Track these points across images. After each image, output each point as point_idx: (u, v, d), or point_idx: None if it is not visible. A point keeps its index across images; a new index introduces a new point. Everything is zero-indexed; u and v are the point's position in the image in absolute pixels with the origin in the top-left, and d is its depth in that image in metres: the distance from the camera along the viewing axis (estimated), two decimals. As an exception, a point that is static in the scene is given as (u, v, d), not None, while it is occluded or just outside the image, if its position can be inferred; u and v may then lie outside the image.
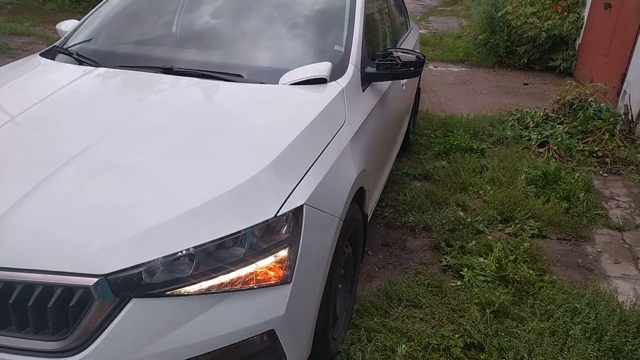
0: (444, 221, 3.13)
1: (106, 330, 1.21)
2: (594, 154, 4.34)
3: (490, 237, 2.98)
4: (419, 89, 4.66)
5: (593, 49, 7.16)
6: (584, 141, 4.51)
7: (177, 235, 1.28)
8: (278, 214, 1.39)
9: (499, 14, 8.53)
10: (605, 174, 4.08)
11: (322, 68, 1.99)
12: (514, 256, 2.73)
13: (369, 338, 2.03)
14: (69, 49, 2.30)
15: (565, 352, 1.89)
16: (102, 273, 1.20)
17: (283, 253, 1.39)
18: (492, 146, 4.55)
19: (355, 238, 2.07)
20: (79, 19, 2.64)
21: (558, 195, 3.51)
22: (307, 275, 1.48)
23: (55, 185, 1.35)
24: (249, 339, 1.36)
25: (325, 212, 1.55)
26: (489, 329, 2.10)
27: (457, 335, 2.10)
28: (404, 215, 3.21)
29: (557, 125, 4.87)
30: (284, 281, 1.39)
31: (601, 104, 5.12)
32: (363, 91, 2.20)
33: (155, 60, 2.16)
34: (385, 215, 3.24)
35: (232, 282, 1.32)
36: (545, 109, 5.36)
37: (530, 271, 2.60)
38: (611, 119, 4.68)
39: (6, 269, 1.20)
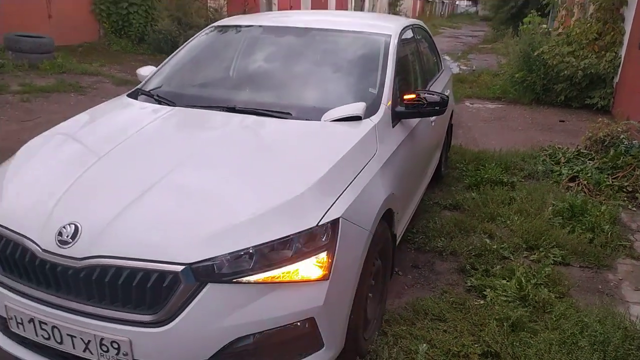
0: (470, 247, 3.37)
1: (188, 307, 1.58)
2: (624, 189, 4.47)
3: (514, 263, 3.19)
4: (451, 125, 4.97)
5: (629, 88, 7.28)
6: (614, 176, 4.66)
7: (241, 238, 1.65)
8: (319, 224, 1.74)
9: (535, 54, 8.76)
10: (634, 209, 4.20)
11: (357, 107, 2.37)
12: (536, 280, 2.93)
13: (395, 342, 2.31)
14: (150, 91, 2.80)
15: (571, 358, 2.11)
16: (188, 262, 1.58)
17: (322, 255, 1.73)
18: (522, 180, 4.75)
19: (385, 254, 2.38)
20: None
21: (583, 227, 3.68)
22: (342, 276, 1.80)
23: (152, 197, 1.76)
24: (293, 323, 1.69)
25: (357, 225, 1.89)
26: (506, 340, 2.33)
27: (476, 345, 2.34)
28: (433, 241, 3.48)
29: (588, 161, 5.02)
30: (322, 278, 1.72)
31: (634, 141, 5.24)
32: (393, 127, 2.55)
33: (220, 101, 2.61)
34: (415, 240, 3.51)
35: (281, 276, 1.67)
36: (577, 145, 5.53)
37: (550, 294, 2.81)
38: (639, 156, 4.81)
39: (119, 258, 1.60)
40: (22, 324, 1.75)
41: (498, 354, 2.26)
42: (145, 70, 3.11)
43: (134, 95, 2.82)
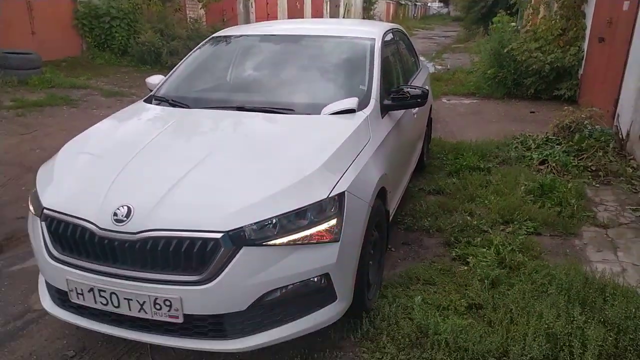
0: (453, 224, 3.78)
1: (227, 267, 1.93)
2: (589, 169, 4.95)
3: (492, 235, 3.59)
4: (430, 119, 5.39)
5: (592, 78, 7.84)
6: (579, 158, 5.14)
7: (266, 209, 2.00)
8: (329, 197, 2.10)
9: (505, 50, 9.29)
10: (598, 185, 4.67)
11: (351, 102, 2.75)
12: (511, 247, 3.34)
13: (394, 300, 2.67)
14: (163, 96, 3.14)
15: (541, 302, 2.52)
16: (225, 230, 1.93)
17: (333, 222, 2.09)
18: (497, 165, 5.20)
19: (381, 227, 2.75)
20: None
21: (552, 202, 4.12)
22: (349, 239, 2.16)
23: (190, 179, 2.11)
24: (312, 278, 2.05)
25: (359, 197, 2.26)
26: (487, 294, 2.72)
27: (462, 300, 2.73)
28: (420, 221, 3.87)
29: (555, 146, 5.50)
30: (334, 240, 2.09)
31: (596, 126, 5.74)
32: (382, 118, 2.94)
33: (229, 102, 2.97)
34: (405, 222, 3.90)
35: (301, 239, 2.02)
36: (546, 132, 6.01)
37: (524, 257, 3.22)
38: (602, 139, 5.31)
39: (169, 230, 1.94)
40: (82, 294, 2.07)
41: (481, 305, 2.65)
42: (155, 79, 3.44)
43: (148, 101, 3.15)
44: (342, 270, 2.15)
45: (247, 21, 20.05)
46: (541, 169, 5.02)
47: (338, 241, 2.10)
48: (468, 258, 3.25)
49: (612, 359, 2.18)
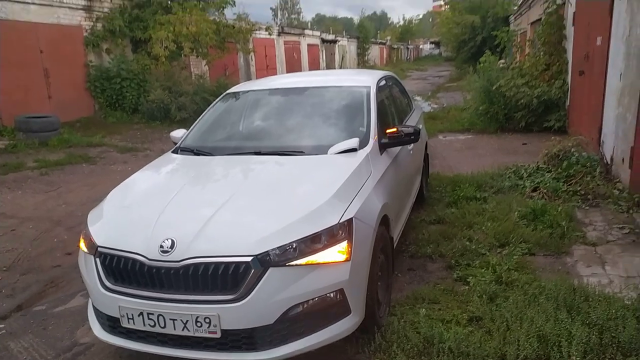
0: (454, 249, 4.10)
1: (257, 286, 2.27)
2: (578, 193, 5.30)
3: (489, 256, 3.91)
4: (427, 155, 5.81)
5: (577, 109, 8.32)
6: (568, 183, 5.51)
7: (286, 235, 2.36)
8: (339, 222, 2.47)
9: (494, 87, 9.85)
10: (587, 207, 5.01)
11: (353, 142, 3.17)
12: (507, 266, 3.66)
13: (402, 317, 2.98)
14: (188, 147, 3.58)
15: (532, 309, 2.82)
16: (254, 254, 2.29)
17: (344, 244, 2.44)
18: (492, 194, 5.55)
19: (386, 251, 3.10)
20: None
21: (544, 225, 4.45)
22: (359, 259, 2.51)
23: (222, 214, 2.49)
24: (329, 293, 2.39)
25: (365, 222, 2.62)
26: (485, 307, 3.02)
27: (464, 314, 3.02)
28: (423, 248, 4.19)
29: (546, 174, 5.88)
30: (346, 260, 2.43)
31: (583, 153, 6.14)
32: (381, 154, 3.34)
33: (247, 148, 3.41)
34: (409, 250, 4.22)
35: (317, 261, 2.38)
36: (537, 161, 6.41)
37: (519, 275, 3.53)
38: (587, 164, 5.70)
39: (206, 257, 2.30)
40: (132, 318, 2.40)
41: (480, 317, 2.95)
42: (178, 133, 3.90)
43: (175, 152, 3.59)
44: (354, 286, 2.48)
45: (248, 74, 21.01)
46: (533, 196, 5.37)
47: (349, 260, 2.45)
48: (468, 278, 3.56)
49: (595, 354, 2.46)
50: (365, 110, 3.56)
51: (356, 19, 74.63)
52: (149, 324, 2.38)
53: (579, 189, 5.36)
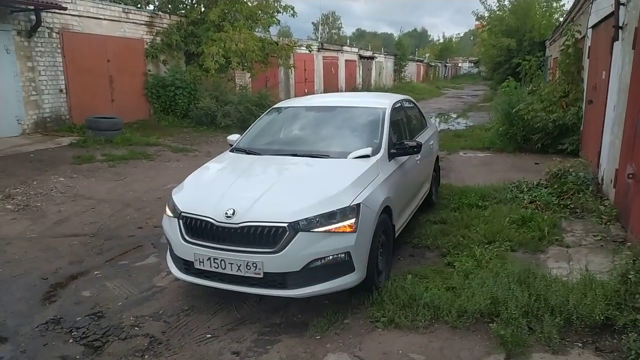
0: (449, 243, 5.01)
1: (289, 244, 3.28)
2: (568, 207, 6.11)
3: (476, 250, 4.80)
4: (438, 167, 6.73)
5: (587, 134, 9.04)
6: (560, 198, 6.32)
7: (311, 211, 3.36)
8: (350, 205, 3.47)
9: (514, 111, 10.62)
10: (573, 219, 5.82)
11: (367, 150, 4.19)
12: (489, 256, 4.56)
13: (394, 281, 3.94)
14: (242, 147, 4.68)
15: (494, 281, 3.73)
16: (289, 222, 3.31)
17: (352, 220, 3.43)
18: (493, 204, 6.41)
19: (387, 234, 4.06)
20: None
21: (530, 229, 5.31)
22: (363, 232, 3.48)
23: (269, 193, 3.53)
24: (340, 254, 3.38)
25: (370, 208, 3.61)
26: (461, 280, 3.95)
27: (443, 285, 3.95)
28: (424, 241, 5.12)
29: (543, 189, 6.70)
30: (353, 232, 3.42)
31: (580, 173, 6.91)
32: (389, 161, 4.33)
33: (286, 150, 4.47)
34: (413, 242, 5.16)
35: (333, 230, 3.38)
36: (540, 179, 7.21)
37: (494, 261, 4.42)
38: (580, 183, 6.49)
39: (257, 222, 3.33)
40: (202, 262, 3.46)
41: (455, 287, 3.87)
42: (233, 137, 5.02)
43: (232, 151, 4.71)
44: (358, 251, 3.47)
45: (287, 86, 22.31)
46: (528, 207, 6.20)
47: (355, 232, 3.44)
48: (455, 263, 4.47)
49: (529, 310, 3.37)
50: (380, 126, 4.57)
51: (396, 35, 75.77)
52: (214, 266, 3.44)
53: (569, 203, 6.17)
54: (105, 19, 12.67)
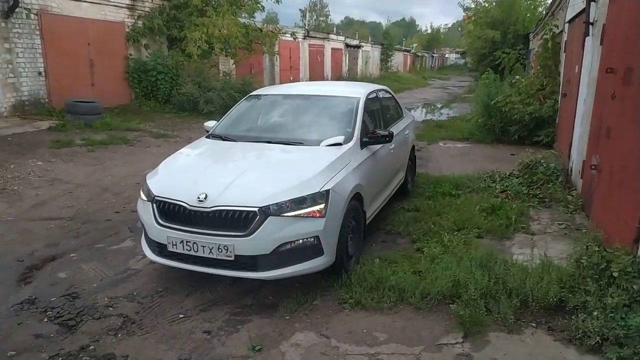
0: (420, 230, 5.16)
1: (259, 228, 3.38)
2: (537, 196, 6.32)
3: (445, 236, 4.97)
4: (414, 156, 6.89)
5: (561, 126, 9.27)
6: (530, 188, 6.52)
7: (282, 196, 3.47)
8: (320, 191, 3.59)
9: (492, 103, 10.82)
10: (541, 208, 6.03)
11: (339, 138, 4.29)
12: (457, 243, 4.73)
13: (363, 265, 4.09)
14: (218, 134, 4.75)
15: (457, 265, 3.90)
16: (260, 206, 3.41)
17: (322, 206, 3.54)
18: (466, 193, 6.59)
19: (357, 219, 4.19)
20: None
21: (498, 217, 5.50)
22: (331, 217, 3.59)
23: (241, 179, 3.61)
24: (309, 238, 3.49)
25: (339, 194, 3.72)
26: (428, 264, 4.11)
27: (410, 269, 4.11)
28: (396, 227, 5.27)
29: (514, 179, 6.91)
30: (322, 217, 3.54)
31: (551, 164, 7.13)
32: (361, 149, 4.44)
33: (261, 138, 4.55)
34: (386, 229, 5.30)
35: (302, 214, 3.49)
36: (512, 169, 7.42)
37: (460, 247, 4.59)
38: (550, 173, 6.71)
39: (228, 206, 3.42)
40: (175, 245, 3.55)
41: (421, 271, 4.03)
42: (210, 124, 5.08)
43: (208, 137, 4.77)
44: (326, 236, 3.59)
45: (272, 73, 22.24)
46: (499, 196, 6.40)
47: (324, 217, 3.56)
48: (424, 249, 4.63)
49: (488, 292, 3.55)
50: (353, 115, 4.67)
51: (385, 24, 75.63)
52: (186, 249, 3.53)
53: (538, 192, 6.38)
54: (85, 2, 12.48)
